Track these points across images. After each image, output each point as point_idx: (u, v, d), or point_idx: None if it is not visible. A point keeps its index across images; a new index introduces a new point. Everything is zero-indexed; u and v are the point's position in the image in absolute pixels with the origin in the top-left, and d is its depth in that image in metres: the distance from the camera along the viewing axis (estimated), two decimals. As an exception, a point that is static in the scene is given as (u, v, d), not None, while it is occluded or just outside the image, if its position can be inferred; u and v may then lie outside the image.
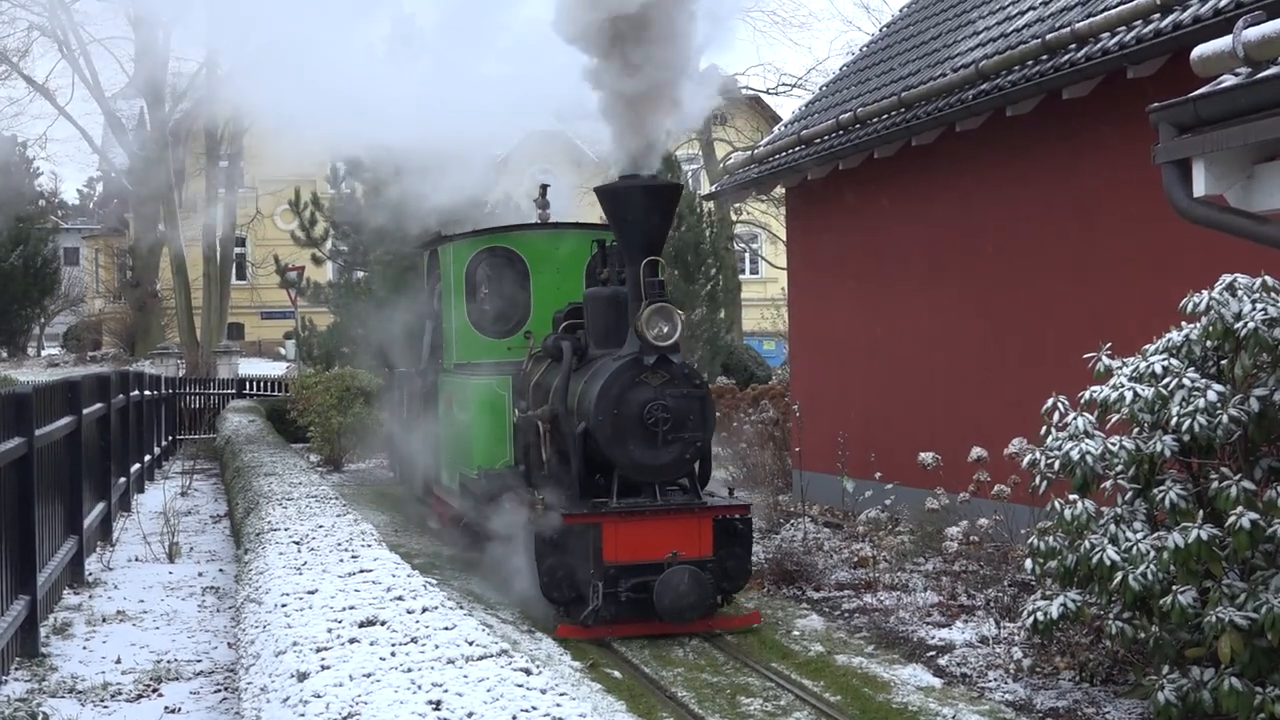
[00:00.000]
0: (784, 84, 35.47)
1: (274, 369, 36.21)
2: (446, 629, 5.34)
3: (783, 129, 17.28)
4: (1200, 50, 6.60)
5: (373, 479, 20.20)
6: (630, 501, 9.91)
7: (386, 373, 19.35)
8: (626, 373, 9.86)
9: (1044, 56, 10.86)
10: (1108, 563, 7.05)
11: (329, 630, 5.41)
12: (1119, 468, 7.38)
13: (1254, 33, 6.25)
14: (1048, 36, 10.78)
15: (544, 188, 13.33)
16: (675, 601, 9.33)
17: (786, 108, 37.49)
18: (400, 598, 6.12)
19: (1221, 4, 8.75)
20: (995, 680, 8.32)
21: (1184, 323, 7.39)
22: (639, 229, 10.01)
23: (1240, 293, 6.88)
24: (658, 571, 9.43)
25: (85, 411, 11.47)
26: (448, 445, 13.15)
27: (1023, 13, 12.24)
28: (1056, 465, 7.58)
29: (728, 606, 10.20)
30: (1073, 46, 10.51)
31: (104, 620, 9.62)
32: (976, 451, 10.05)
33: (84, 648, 8.79)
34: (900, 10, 17.27)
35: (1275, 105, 5.95)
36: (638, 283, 9.91)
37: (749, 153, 18.00)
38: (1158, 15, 9.54)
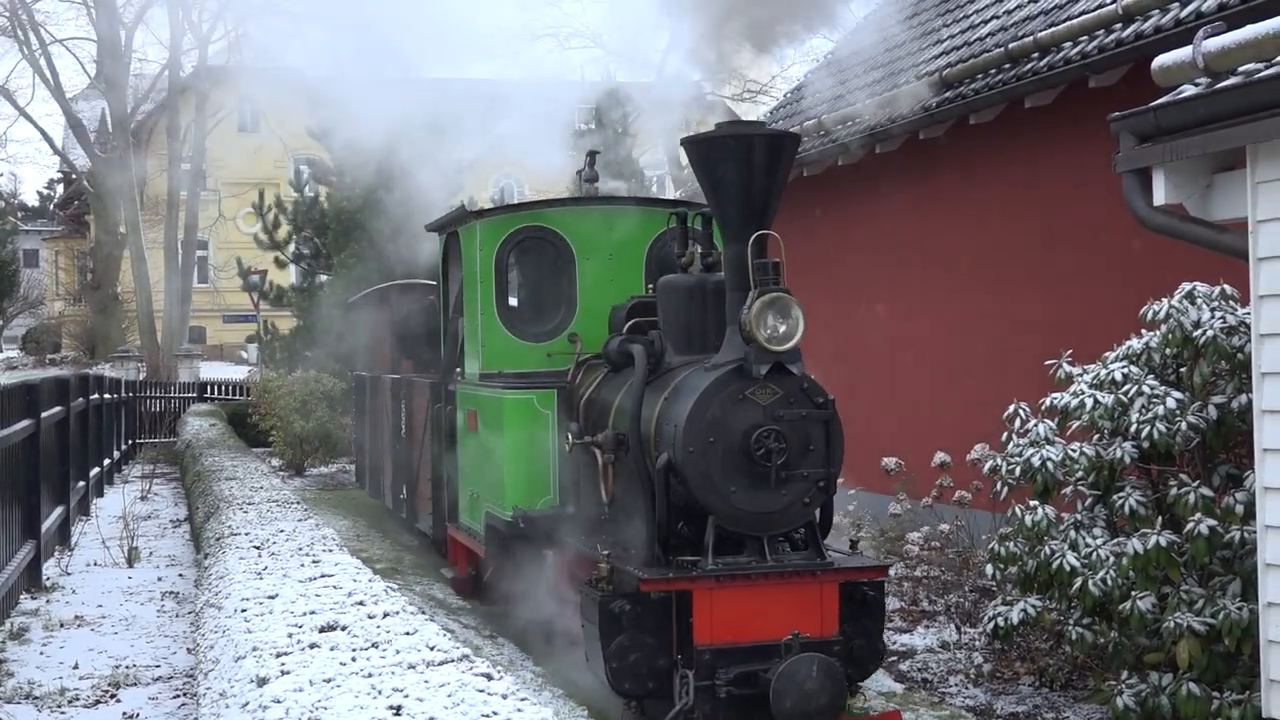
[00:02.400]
0: (749, 91, 35.49)
1: (236, 372, 35.99)
2: (408, 634, 5.32)
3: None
4: (1161, 60, 6.66)
5: (335, 484, 20.10)
6: (731, 561, 7.24)
7: (351, 377, 18.56)
8: (727, 388, 7.21)
9: (1007, 65, 10.93)
10: (1067, 568, 7.11)
11: (289, 635, 5.38)
12: (1079, 474, 7.44)
13: (1214, 43, 6.31)
14: (1010, 45, 10.86)
15: (592, 155, 10.77)
16: (801, 703, 6.77)
17: (751, 115, 37.55)
18: (361, 603, 6.09)
19: (1182, 15, 8.83)
20: (956, 686, 8.37)
21: (1144, 330, 7.45)
22: (746, 192, 7.36)
23: (1199, 301, 6.94)
24: (768, 657, 6.95)
25: (44, 415, 11.38)
26: (469, 475, 10.26)
27: (985, 21, 12.32)
28: (1018, 471, 7.63)
29: (855, 700, 7.68)
30: (1035, 55, 10.58)
31: (61, 625, 9.54)
32: (939, 457, 10.10)
33: (41, 653, 8.71)
34: (864, 19, 17.33)
35: (1234, 115, 6.01)
36: (743, 265, 7.27)
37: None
38: (1119, 25, 9.61)
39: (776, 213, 7.48)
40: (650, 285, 9.04)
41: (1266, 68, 6.01)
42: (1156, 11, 9.27)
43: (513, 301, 10.02)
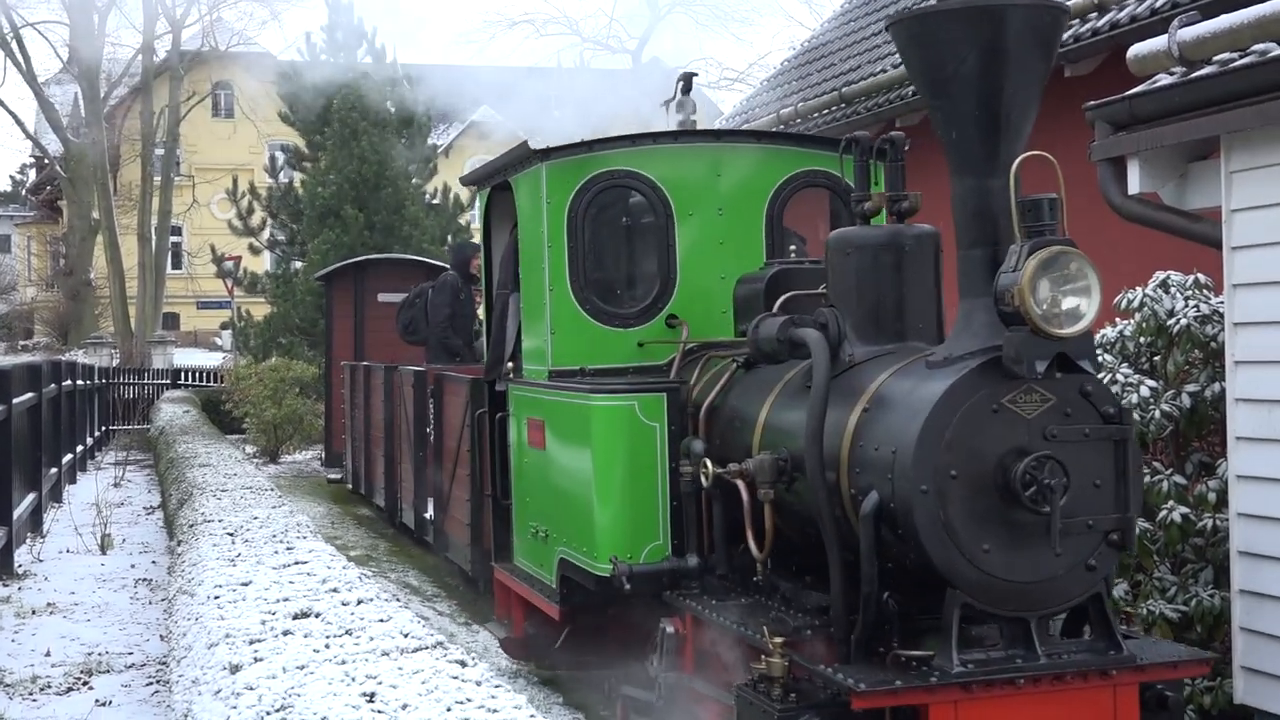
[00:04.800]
0: (726, 78, 35.51)
1: (210, 359, 35.84)
2: (381, 621, 5.31)
3: (724, 124, 17.30)
4: (1136, 49, 6.69)
5: (310, 471, 20.06)
6: (984, 660, 4.76)
7: (344, 366, 17.57)
8: (974, 394, 4.75)
9: (983, 54, 10.94)
10: (1041, 556, 7.10)
11: (262, 622, 5.36)
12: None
13: (1189, 33, 6.33)
14: (987, 34, 10.86)
15: (688, 77, 8.18)
16: None
17: (728, 102, 37.59)
18: (335, 589, 6.07)
19: (1158, 4, 8.85)
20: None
21: (1118, 319, 7.48)
22: (993, 98, 4.82)
23: (1173, 290, 6.97)
24: None
25: (15, 401, 11.31)
26: (532, 506, 7.57)
27: (962, 10, 12.32)
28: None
29: None
30: (1011, 44, 10.59)
31: (33, 612, 9.49)
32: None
33: (13, 640, 8.67)
34: (842, 6, 17.34)
35: (1209, 105, 6.04)
36: (991, 208, 4.92)
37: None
38: (1095, 14, 9.63)
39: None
40: (773, 251, 7.25)
41: (1241, 57, 6.03)
42: (1132, 1, 9.30)
43: (596, 273, 7.37)
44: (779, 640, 4.98)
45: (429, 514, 11.75)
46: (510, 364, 8.12)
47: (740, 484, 5.63)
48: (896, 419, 4.90)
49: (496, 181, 8.32)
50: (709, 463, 5.83)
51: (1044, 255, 4.59)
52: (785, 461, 5.45)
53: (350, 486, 16.58)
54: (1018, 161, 4.77)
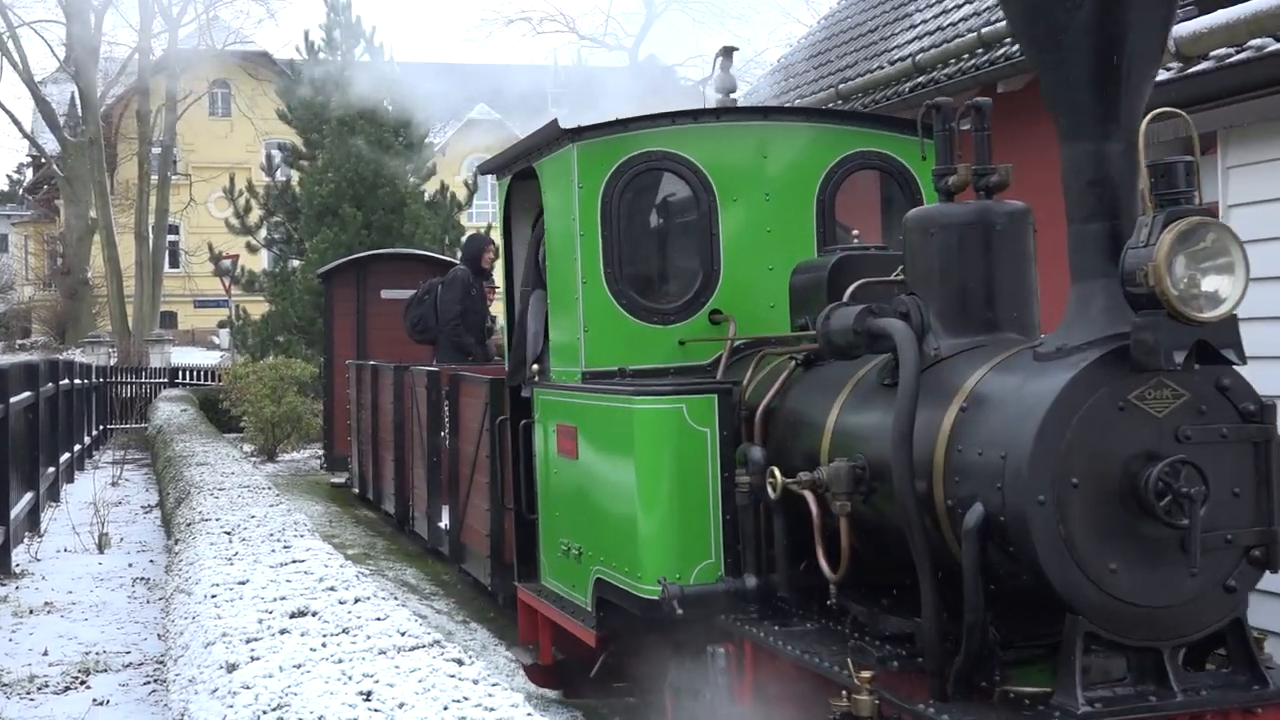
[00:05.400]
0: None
1: (207, 358, 35.84)
2: (379, 619, 5.30)
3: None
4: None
5: (308, 470, 20.05)
6: (1109, 697, 4.12)
7: (349, 366, 17.00)
8: (1096, 390, 4.14)
9: (980, 50, 10.94)
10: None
11: (259, 621, 5.35)
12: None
13: (1185, 28, 6.34)
14: (983, 30, 10.86)
15: (728, 50, 7.72)
16: None
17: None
18: (332, 588, 6.06)
19: (1154, 0, 8.85)
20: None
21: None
22: (1111, 48, 4.21)
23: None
24: None
25: (13, 400, 11.31)
26: (563, 521, 6.88)
27: (959, 6, 12.32)
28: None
29: None
30: (1008, 40, 10.59)
31: (31, 612, 9.49)
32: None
33: (10, 639, 8.67)
34: (838, 3, 17.34)
35: (1205, 100, 6.04)
36: (1111, 174, 4.33)
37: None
38: (1091, 10, 9.63)
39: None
40: (825, 239, 6.66)
41: (1237, 53, 6.03)
42: (1129, -3, 9.29)
43: (632, 265, 6.72)
44: (866, 675, 4.37)
45: (444, 523, 11.14)
46: (535, 366, 7.51)
47: (809, 495, 4.96)
48: (1003, 420, 4.27)
49: (519, 168, 7.62)
50: (777, 472, 5.14)
51: (1182, 227, 3.94)
52: (863, 469, 4.82)
53: (356, 490, 16.03)
54: (1145, 121, 4.19)
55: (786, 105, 8.37)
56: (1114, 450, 4.11)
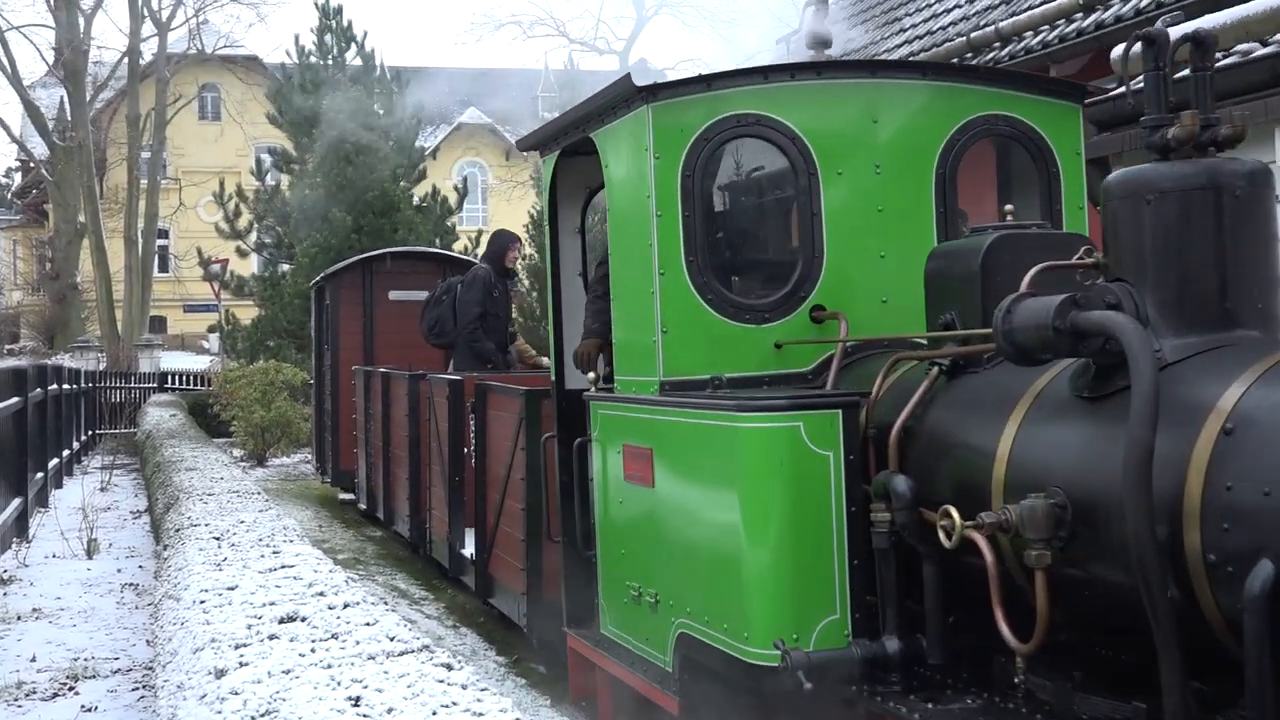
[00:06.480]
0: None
1: (197, 362, 35.78)
2: (368, 624, 5.29)
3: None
4: (1120, 49, 6.69)
5: (297, 474, 20.01)
6: None
7: (357, 372, 15.43)
8: None
9: (969, 54, 10.97)
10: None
11: (248, 627, 5.34)
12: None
13: (1174, 32, 6.34)
14: (972, 35, 10.90)
15: None
16: None
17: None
18: (322, 593, 6.05)
19: (1142, 4, 8.88)
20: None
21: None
22: None
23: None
24: None
25: (1, 405, 11.27)
26: (637, 560, 5.76)
27: (948, 10, 12.35)
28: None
29: None
30: (997, 45, 10.63)
31: (19, 618, 9.45)
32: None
33: (-2, 646, 8.64)
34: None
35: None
36: None
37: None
38: (1080, 14, 9.66)
39: None
40: (947, 220, 5.74)
41: (1224, 57, 6.05)
42: (1117, 1, 9.32)
43: (721, 252, 5.77)
44: None
45: (467, 550, 9.79)
46: (591, 374, 6.46)
47: (981, 541, 3.91)
48: None
49: (570, 141, 6.48)
50: (954, 512, 3.97)
51: None
52: (1063, 509, 3.73)
53: (364, 508, 14.63)
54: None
55: (900, 60, 6.98)
56: None
